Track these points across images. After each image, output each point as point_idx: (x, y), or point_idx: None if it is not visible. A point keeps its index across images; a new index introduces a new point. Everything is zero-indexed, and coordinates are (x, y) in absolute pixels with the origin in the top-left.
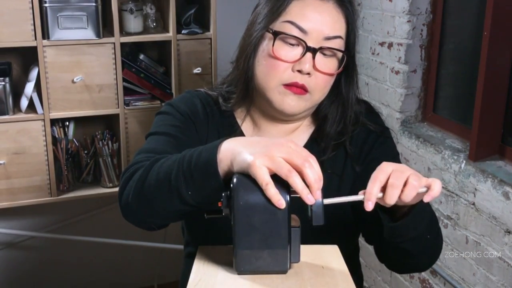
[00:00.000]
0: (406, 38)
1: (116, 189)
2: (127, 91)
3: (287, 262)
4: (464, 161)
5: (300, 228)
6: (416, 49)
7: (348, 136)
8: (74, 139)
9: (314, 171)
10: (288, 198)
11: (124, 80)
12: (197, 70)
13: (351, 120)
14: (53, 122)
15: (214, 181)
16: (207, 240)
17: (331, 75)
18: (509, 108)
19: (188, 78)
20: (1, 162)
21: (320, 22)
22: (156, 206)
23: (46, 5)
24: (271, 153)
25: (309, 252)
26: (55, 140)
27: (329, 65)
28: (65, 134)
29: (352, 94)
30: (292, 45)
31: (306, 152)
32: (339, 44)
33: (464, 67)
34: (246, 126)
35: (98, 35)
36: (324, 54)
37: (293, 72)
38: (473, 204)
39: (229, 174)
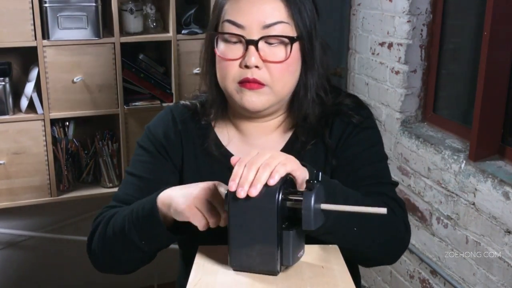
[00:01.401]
0: (406, 38)
1: (116, 189)
2: (127, 91)
3: (276, 263)
4: (464, 161)
5: (293, 232)
6: (416, 49)
7: (325, 127)
8: (74, 139)
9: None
10: (280, 200)
11: (124, 80)
12: (197, 70)
13: (312, 103)
14: (53, 122)
15: (159, 228)
16: (196, 242)
17: (281, 62)
18: (509, 108)
19: (188, 78)
20: (1, 162)
21: (255, 12)
22: (119, 257)
23: (46, 5)
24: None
25: (309, 252)
26: (55, 140)
27: (278, 53)
28: (65, 134)
29: (311, 77)
30: (235, 42)
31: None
32: (282, 29)
33: (464, 67)
34: (223, 130)
35: (98, 35)
36: (270, 43)
37: (241, 68)
38: (473, 204)
39: (173, 219)
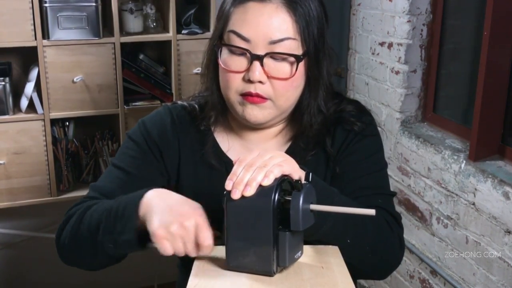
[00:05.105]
0: (406, 38)
1: None
2: (127, 91)
3: (271, 263)
4: (464, 161)
5: (289, 232)
6: (416, 49)
7: (327, 135)
8: (74, 139)
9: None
10: (276, 200)
11: (124, 80)
12: (197, 70)
13: (313, 115)
14: (53, 122)
15: (129, 223)
16: None
17: (286, 79)
18: (509, 108)
19: (188, 78)
20: (1, 162)
21: (263, 27)
22: (86, 256)
23: (46, 5)
24: (169, 228)
25: (309, 252)
26: (55, 140)
27: (283, 69)
28: (65, 134)
29: (315, 90)
30: (239, 54)
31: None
32: (289, 46)
33: (464, 67)
34: (223, 136)
35: (98, 35)
36: (275, 59)
37: (245, 81)
38: (473, 204)
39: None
